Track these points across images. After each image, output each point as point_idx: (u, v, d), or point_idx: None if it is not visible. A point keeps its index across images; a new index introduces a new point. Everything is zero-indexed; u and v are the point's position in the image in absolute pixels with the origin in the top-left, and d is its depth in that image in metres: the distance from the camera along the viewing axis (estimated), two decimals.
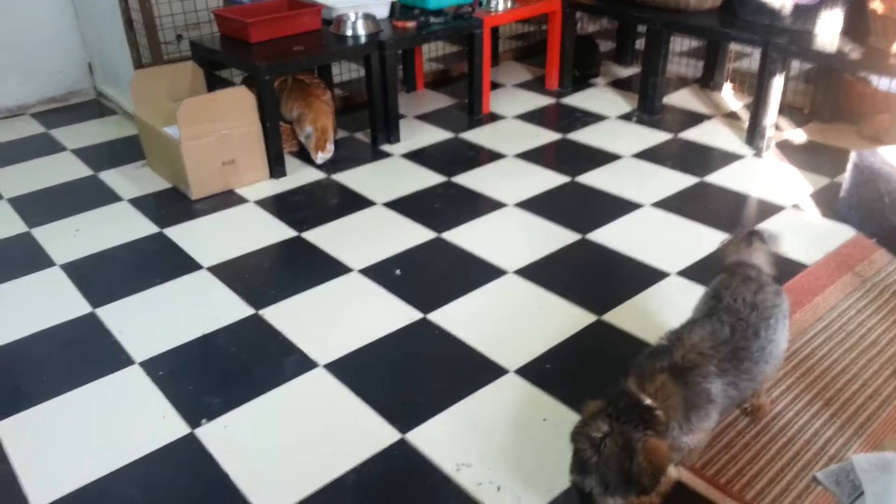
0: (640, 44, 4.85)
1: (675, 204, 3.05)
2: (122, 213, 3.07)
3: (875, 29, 3.17)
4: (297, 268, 2.66)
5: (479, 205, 3.08)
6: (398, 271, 2.62)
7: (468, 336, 2.26)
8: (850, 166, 2.83)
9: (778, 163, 3.39)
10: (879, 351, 2.18)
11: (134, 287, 2.55)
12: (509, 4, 4.05)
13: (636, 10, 3.93)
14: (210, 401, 2.02)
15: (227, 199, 3.17)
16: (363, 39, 3.48)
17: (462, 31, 3.79)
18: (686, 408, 1.44)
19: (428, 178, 3.32)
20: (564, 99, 4.27)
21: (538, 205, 3.06)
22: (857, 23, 3.32)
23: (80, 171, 3.48)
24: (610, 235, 2.82)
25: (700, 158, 3.48)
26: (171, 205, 3.12)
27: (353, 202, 3.12)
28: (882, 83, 3.64)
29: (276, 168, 3.32)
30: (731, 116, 3.94)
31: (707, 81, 4.38)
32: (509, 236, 2.84)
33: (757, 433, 1.88)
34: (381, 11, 3.79)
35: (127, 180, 3.36)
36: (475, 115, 4.03)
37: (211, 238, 2.87)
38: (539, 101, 4.24)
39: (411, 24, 3.67)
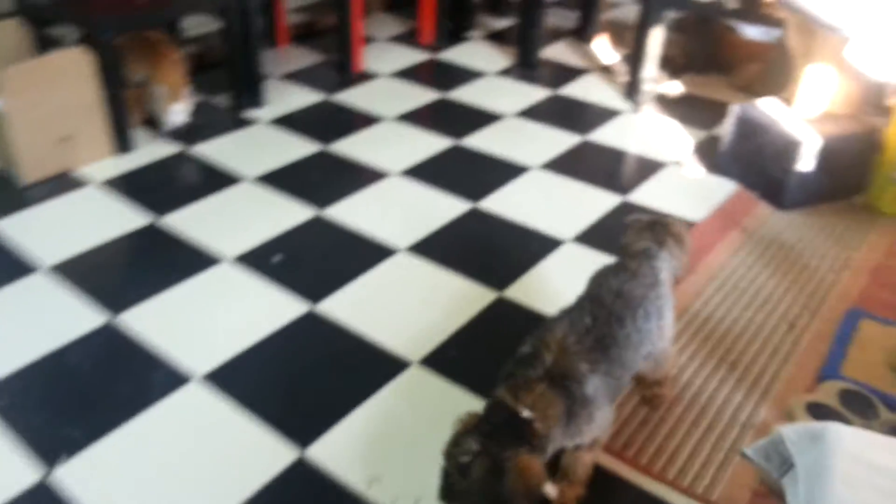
0: None
1: (562, 165, 2.96)
2: None
3: None
4: (157, 261, 2.34)
5: (359, 175, 2.85)
6: (277, 258, 2.36)
7: (363, 327, 2.07)
8: (730, 119, 2.83)
9: (656, 117, 3.38)
10: (773, 307, 2.19)
11: None
12: None
13: None
14: (67, 433, 1.72)
15: (66, 181, 2.75)
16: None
17: None
18: (568, 416, 1.36)
19: (300, 148, 3.04)
20: (440, 54, 4.06)
21: (423, 172, 2.88)
22: None
23: None
24: (501, 202, 2.69)
25: (581, 115, 3.41)
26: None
27: (217, 179, 2.80)
28: (751, 32, 3.69)
29: (122, 142, 2.92)
30: (608, 70, 3.89)
31: (582, 33, 4.31)
32: (396, 210, 2.64)
33: (670, 405, 1.83)
34: None
35: None
36: (347, 73, 3.75)
37: (49, 231, 2.47)
38: (414, 56, 4.01)
39: None
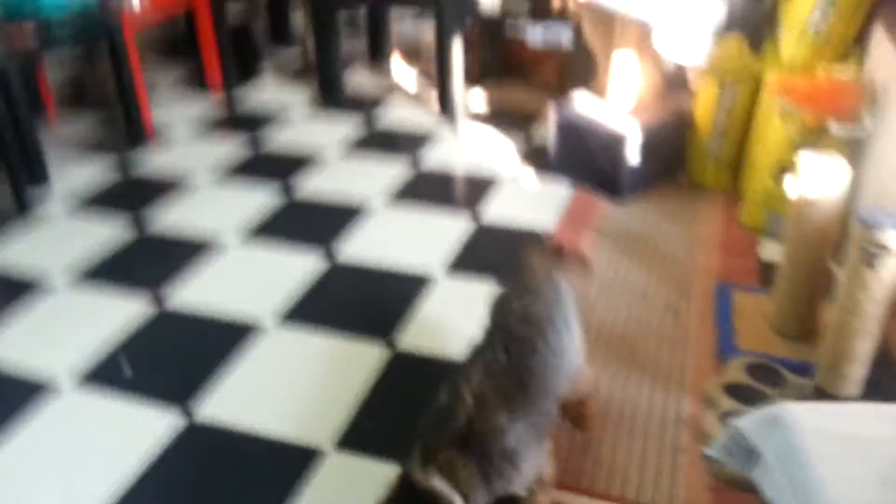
0: (296, 18, 4.53)
1: (403, 197, 2.86)
2: None
3: None
4: None
5: (190, 250, 2.54)
6: (127, 368, 2.01)
7: (256, 423, 1.81)
8: (551, 123, 2.90)
9: (476, 130, 3.39)
10: (651, 298, 2.26)
11: None
12: None
13: None
14: None
15: None
16: None
17: (98, 34, 3.09)
18: (486, 476, 1.26)
19: (108, 229, 2.65)
20: (236, 97, 3.78)
21: (262, 233, 2.63)
22: None
23: None
24: (357, 249, 2.53)
25: (404, 142, 3.34)
26: None
27: (19, 289, 2.34)
28: (536, 35, 3.83)
29: None
30: (414, 91, 3.85)
31: (375, 56, 4.24)
32: (247, 281, 2.38)
33: (603, 423, 1.80)
34: None
35: None
36: (135, 132, 3.34)
37: None
38: (207, 102, 3.70)
39: (28, 26, 2.86)
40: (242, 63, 4.03)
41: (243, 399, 1.89)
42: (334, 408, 1.85)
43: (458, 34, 3.35)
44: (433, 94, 3.73)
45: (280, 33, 4.46)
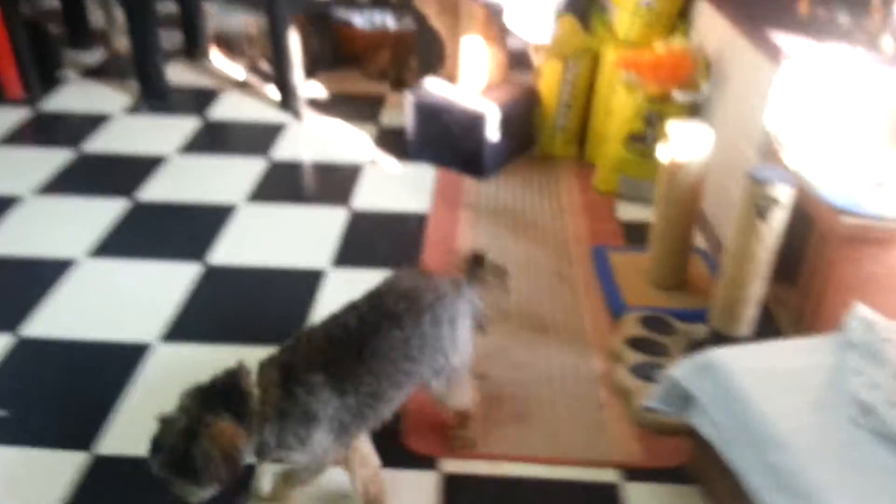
0: (95, 20, 4.13)
1: (267, 193, 2.75)
2: None
3: None
4: None
5: (38, 274, 2.25)
6: (2, 413, 1.76)
7: None
8: (409, 107, 2.92)
9: (322, 121, 3.32)
10: (535, 266, 2.37)
11: None
12: None
13: None
14: None
15: None
16: None
17: None
18: (282, 417, 1.30)
19: None
20: (44, 106, 3.39)
21: (118, 247, 2.41)
22: None
23: None
24: (234, 252, 2.40)
25: (249, 136, 3.19)
26: None
27: None
28: (364, 22, 3.82)
29: None
30: (243, 84, 3.68)
31: (193, 51, 3.98)
32: (116, 300, 2.16)
33: (525, 389, 1.86)
34: None
35: None
36: None
37: None
38: (9, 116, 3.27)
39: None
40: (42, 69, 3.59)
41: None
42: None
43: (291, 24, 3.24)
44: (265, 87, 3.60)
45: (77, 35, 4.03)
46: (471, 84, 2.90)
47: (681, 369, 1.53)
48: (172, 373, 1.89)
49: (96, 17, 4.13)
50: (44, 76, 3.59)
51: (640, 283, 2.20)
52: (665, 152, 2.02)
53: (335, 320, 1.43)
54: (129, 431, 1.72)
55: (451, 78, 2.97)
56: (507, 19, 2.74)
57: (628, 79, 2.54)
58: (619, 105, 2.60)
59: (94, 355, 1.95)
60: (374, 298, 1.47)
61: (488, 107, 2.76)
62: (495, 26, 2.83)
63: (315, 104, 3.46)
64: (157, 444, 1.23)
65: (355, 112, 3.39)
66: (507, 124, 2.83)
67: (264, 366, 1.34)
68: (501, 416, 1.79)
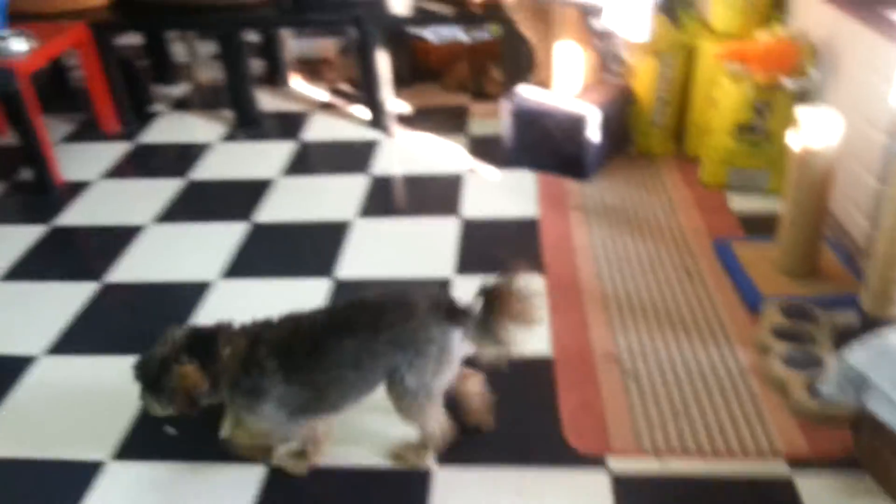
0: (178, 56, 4.28)
1: (377, 208, 2.82)
2: None
3: None
4: None
5: (186, 297, 2.34)
6: (171, 430, 1.83)
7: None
8: (506, 114, 2.96)
9: (412, 136, 3.37)
10: (660, 264, 2.37)
11: None
12: (29, 44, 3.04)
13: (190, 18, 3.40)
14: None
15: None
16: None
17: (5, 87, 2.77)
18: (237, 381, 1.51)
19: (71, 294, 2.38)
20: (140, 139, 3.52)
21: (248, 269, 2.48)
22: None
23: None
24: (360, 266, 2.45)
25: (346, 154, 3.26)
26: None
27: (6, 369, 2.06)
28: (441, 35, 3.89)
29: None
30: (328, 106, 3.76)
31: (275, 78, 4.09)
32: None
33: (666, 387, 1.87)
34: None
35: None
36: (48, 191, 3.03)
37: None
38: (112, 150, 3.40)
39: None
40: (133, 104, 3.73)
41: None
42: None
43: (379, 44, 3.32)
44: (349, 107, 3.68)
45: (162, 70, 4.17)
46: (566, 88, 2.93)
47: (855, 355, 1.52)
48: None
49: (178, 52, 4.28)
50: (136, 111, 3.73)
51: (771, 272, 2.19)
52: (795, 139, 2.01)
53: (311, 314, 1.58)
54: None
55: (544, 83, 3.00)
56: (605, 20, 2.76)
57: (734, 70, 2.54)
58: (724, 97, 2.60)
59: None
60: (349, 306, 1.59)
61: (587, 108, 2.79)
62: (587, 28, 2.86)
63: (401, 119, 3.53)
64: (144, 359, 1.53)
65: (441, 124, 3.45)
66: (606, 124, 2.85)
67: (237, 335, 1.54)
68: (658, 413, 1.80)
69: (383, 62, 3.35)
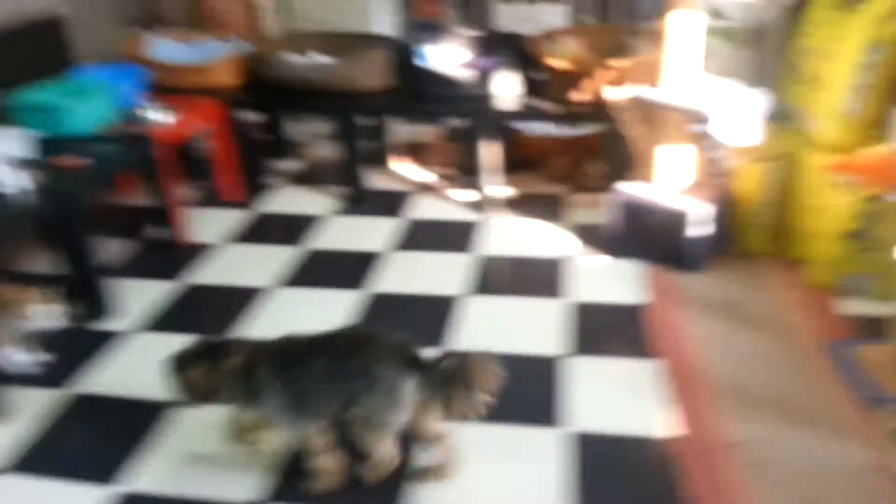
0: (294, 134, 4.59)
1: (486, 286, 2.94)
2: None
3: (554, 82, 3.53)
4: None
5: None
6: None
7: None
8: (613, 206, 3.10)
9: (516, 221, 3.52)
10: (770, 356, 2.41)
11: None
12: (169, 116, 3.33)
13: (315, 101, 3.68)
14: None
15: None
16: (24, 197, 2.49)
17: (141, 155, 3.03)
18: (246, 383, 1.85)
19: None
20: (258, 208, 3.76)
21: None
22: (531, 81, 3.68)
23: None
24: (470, 339, 2.56)
25: (447, 234, 3.41)
26: None
27: (136, 411, 2.20)
28: (539, 130, 4.09)
29: None
30: (430, 188, 3.96)
31: (379, 158, 4.33)
32: None
33: (794, 483, 1.89)
34: (13, 148, 2.73)
35: None
36: (180, 251, 3.26)
37: None
38: (233, 217, 3.65)
39: (80, 160, 2.78)
40: (252, 177, 4.00)
41: None
42: None
43: (485, 135, 3.53)
44: (449, 189, 3.87)
45: (277, 147, 4.48)
46: (669, 185, 3.06)
47: None
48: None
49: (294, 131, 4.59)
50: (254, 183, 4.00)
51: (889, 372, 2.22)
52: None
53: (302, 337, 1.89)
54: None
55: (644, 179, 3.14)
56: (713, 127, 2.91)
57: (839, 181, 2.63)
58: (831, 206, 2.68)
59: None
60: (332, 335, 1.89)
61: (690, 205, 2.90)
62: (693, 132, 3.01)
63: (502, 205, 3.69)
64: (171, 358, 1.91)
65: (541, 212, 3.60)
66: (708, 223, 2.95)
67: (246, 352, 1.88)
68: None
69: (488, 151, 3.55)
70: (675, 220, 2.94)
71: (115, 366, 2.48)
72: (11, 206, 2.40)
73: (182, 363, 1.89)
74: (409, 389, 1.78)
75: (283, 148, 4.46)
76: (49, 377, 2.41)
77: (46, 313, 2.37)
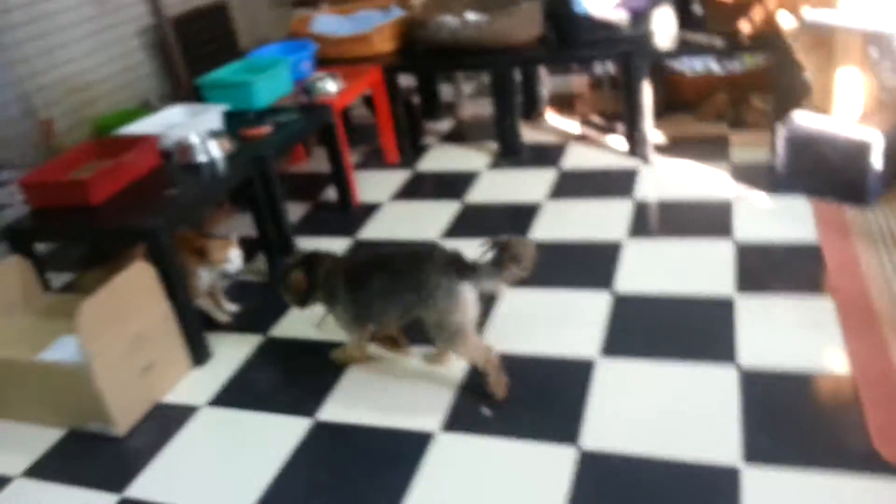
0: (446, 94, 4.74)
1: (647, 229, 2.94)
2: (37, 498, 2.02)
3: (716, 14, 3.39)
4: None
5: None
6: (486, 410, 2.07)
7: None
8: (780, 141, 2.96)
9: (672, 164, 3.46)
10: None
11: None
12: (339, 84, 3.58)
13: (469, 59, 3.78)
14: None
15: (167, 417, 2.27)
16: (223, 162, 2.78)
17: (320, 122, 3.27)
18: (326, 285, 2.24)
19: None
20: (417, 167, 3.94)
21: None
22: (685, 17, 3.56)
23: None
24: (639, 282, 2.59)
25: (605, 182, 3.42)
26: (99, 456, 2.14)
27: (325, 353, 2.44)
28: (696, 67, 3.95)
29: (200, 350, 2.48)
30: (583, 137, 3.96)
31: (530, 112, 4.38)
32: (541, 313, 2.45)
33: None
34: (217, 124, 3.11)
35: None
36: (349, 210, 3.51)
37: (203, 485, 2.00)
38: (395, 177, 3.85)
39: (267, 129, 3.05)
40: (410, 137, 4.18)
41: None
42: None
43: (643, 76, 3.46)
44: (602, 138, 3.84)
45: (431, 108, 4.64)
46: (846, 114, 2.88)
47: None
48: (620, 382, 2.11)
49: (445, 92, 4.74)
50: (411, 143, 4.18)
51: None
52: None
53: (374, 252, 2.40)
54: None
55: (820, 110, 2.97)
56: (891, 46, 2.70)
57: None
58: None
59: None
60: (393, 253, 2.18)
61: (870, 134, 2.72)
62: (870, 55, 2.81)
63: (658, 149, 3.63)
64: (282, 266, 2.33)
65: (700, 154, 3.50)
66: (889, 150, 2.76)
67: (327, 259, 2.26)
68: None
69: (646, 94, 3.50)
70: (852, 151, 2.77)
71: (300, 314, 2.73)
72: (208, 174, 2.70)
73: (285, 271, 2.25)
74: (468, 290, 2.03)
75: (437, 109, 4.62)
76: (244, 324, 2.71)
77: (241, 265, 2.65)
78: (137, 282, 2.25)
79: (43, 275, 2.57)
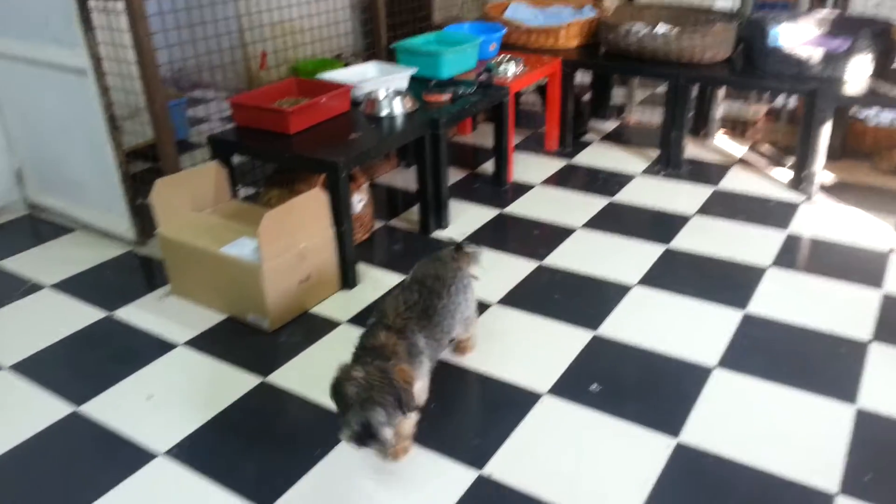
0: (616, 96, 4.82)
1: (792, 262, 2.92)
2: (193, 365, 2.38)
3: None
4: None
5: (607, 291, 2.74)
6: (594, 386, 2.21)
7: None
8: None
9: (838, 206, 3.38)
10: None
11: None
12: (520, 68, 3.77)
13: (651, 68, 3.84)
14: None
15: (311, 324, 2.56)
16: (402, 119, 3.04)
17: (495, 100, 3.47)
18: (408, 353, 1.86)
19: (517, 265, 2.93)
20: (574, 159, 4.06)
21: (664, 281, 2.79)
22: (883, 65, 3.44)
23: (86, 313, 2.69)
24: (775, 309, 2.60)
25: (759, 209, 3.39)
26: (249, 343, 2.47)
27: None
28: (883, 119, 3.81)
29: (350, 276, 2.77)
30: (747, 163, 3.92)
31: (699, 129, 4.37)
32: (668, 315, 2.53)
33: None
34: (404, 84, 3.38)
35: (162, 318, 2.63)
36: (502, 185, 3.71)
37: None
38: (551, 164, 3.99)
39: (446, 97, 3.29)
40: (574, 131, 4.31)
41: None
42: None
43: (830, 117, 3.39)
44: (769, 167, 3.79)
45: (601, 108, 4.73)
46: None
47: None
48: (733, 393, 2.17)
49: (616, 95, 4.81)
50: (574, 136, 4.31)
51: None
52: None
53: (405, 295, 2.04)
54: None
55: None
56: None
57: None
58: None
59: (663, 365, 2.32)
60: (420, 281, 2.10)
61: None
62: None
63: (824, 188, 3.55)
64: (366, 400, 1.68)
65: (867, 202, 3.39)
66: None
67: (391, 332, 1.90)
68: None
69: (824, 134, 3.43)
70: None
71: None
72: (388, 126, 2.97)
73: (379, 375, 1.72)
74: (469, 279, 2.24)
75: (605, 109, 4.71)
76: (391, 262, 2.97)
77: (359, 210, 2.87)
78: (312, 205, 2.54)
79: (234, 185, 2.94)
